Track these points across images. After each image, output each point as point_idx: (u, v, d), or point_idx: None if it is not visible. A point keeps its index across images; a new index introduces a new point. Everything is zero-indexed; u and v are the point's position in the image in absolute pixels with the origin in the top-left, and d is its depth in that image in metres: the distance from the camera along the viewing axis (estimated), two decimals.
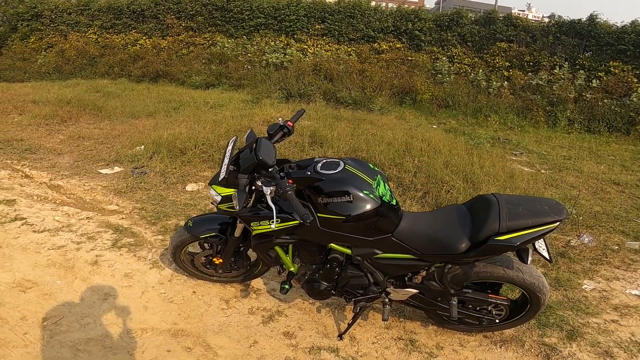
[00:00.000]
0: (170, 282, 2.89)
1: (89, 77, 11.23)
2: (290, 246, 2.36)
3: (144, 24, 12.52)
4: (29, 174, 4.77)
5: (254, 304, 2.73)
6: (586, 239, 4.01)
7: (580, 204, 4.72)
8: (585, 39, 10.12)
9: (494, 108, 8.90)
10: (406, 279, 2.38)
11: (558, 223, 2.07)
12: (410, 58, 10.74)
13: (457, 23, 10.78)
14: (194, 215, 2.70)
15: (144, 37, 12.40)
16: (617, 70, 9.68)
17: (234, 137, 2.35)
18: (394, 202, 2.18)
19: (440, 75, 10.09)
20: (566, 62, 9.95)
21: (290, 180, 2.01)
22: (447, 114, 9.03)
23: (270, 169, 2.09)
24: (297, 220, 2.09)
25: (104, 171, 4.96)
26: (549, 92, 9.30)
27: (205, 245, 2.74)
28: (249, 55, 10.93)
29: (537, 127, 8.61)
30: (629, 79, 9.48)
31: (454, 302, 2.27)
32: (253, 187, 2.09)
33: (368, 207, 2.04)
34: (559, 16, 10.55)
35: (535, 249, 2.13)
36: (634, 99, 8.84)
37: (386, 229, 2.16)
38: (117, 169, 5.03)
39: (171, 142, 5.39)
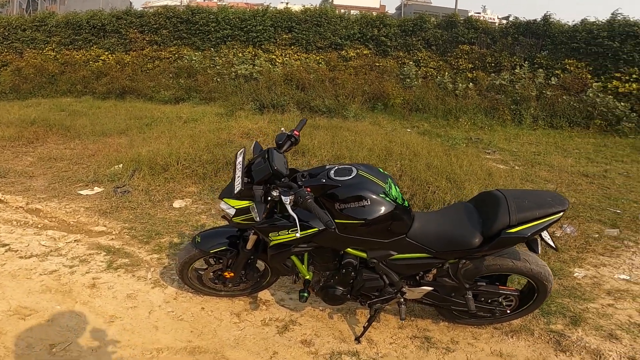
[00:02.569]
0: (176, 300, 2.82)
1: (50, 96, 10.81)
2: (306, 254, 2.36)
3: (106, 39, 12.19)
4: (3, 198, 4.54)
5: (266, 315, 2.71)
6: (568, 230, 4.20)
7: None
8: (541, 38, 10.61)
9: (463, 109, 9.18)
10: (417, 277, 2.44)
11: (562, 213, 2.19)
12: (377, 64, 10.95)
13: (421, 28, 11.08)
14: (201, 231, 2.65)
15: (106, 53, 12.07)
16: (572, 68, 10.19)
17: (242, 149, 2.35)
18: (406, 204, 2.23)
19: (408, 80, 10.33)
20: (526, 62, 10.39)
21: (307, 189, 2.02)
22: (418, 117, 9.25)
23: (282, 179, 2.11)
24: (315, 227, 2.10)
25: (83, 192, 4.78)
26: (512, 91, 9.69)
27: (211, 260, 2.70)
28: (217, 67, 10.84)
29: (505, 126, 8.94)
30: (584, 76, 10.00)
31: (469, 296, 2.34)
32: (269, 198, 2.08)
33: (385, 210, 2.08)
34: (515, 17, 11.04)
35: (542, 239, 2.23)
36: (590, 95, 9.34)
37: (401, 231, 2.20)
38: (97, 189, 4.86)
39: (152, 159, 5.27)
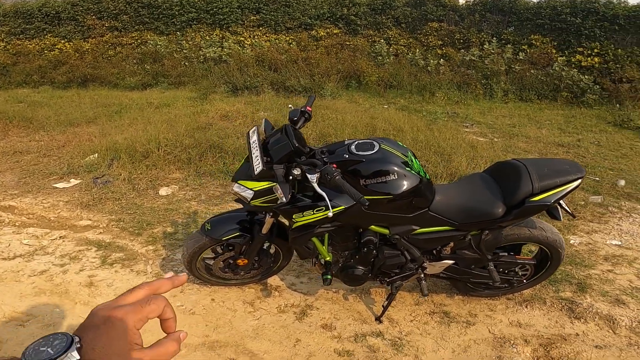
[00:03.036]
0: (183, 293, 2.68)
1: (4, 88, 10.12)
2: (326, 234, 2.27)
3: (61, 27, 11.43)
4: None
5: (280, 302, 2.62)
6: None
7: None
8: (508, 15, 10.76)
9: (437, 85, 9.25)
10: (434, 252, 2.41)
11: (580, 180, 2.19)
12: (348, 43, 10.82)
13: (390, 6, 11.00)
14: (209, 218, 2.50)
15: (63, 41, 11.33)
16: (538, 43, 10.41)
17: (254, 128, 2.21)
18: (427, 177, 2.17)
19: (380, 57, 10.28)
20: (493, 38, 10.54)
21: (334, 165, 1.92)
22: (393, 93, 9.25)
23: (302, 157, 2.00)
24: (342, 205, 2.01)
25: (59, 185, 4.49)
26: (482, 66, 9.83)
27: (219, 248, 2.57)
28: (184, 51, 10.41)
29: (478, 100, 9.08)
30: (549, 50, 10.25)
31: (492, 267, 2.33)
32: (290, 177, 1.97)
33: (410, 183, 2.01)
34: None
35: (561, 206, 2.24)
36: (556, 69, 9.61)
37: (424, 205, 2.15)
38: (74, 181, 4.58)
39: (130, 147, 5.01)
